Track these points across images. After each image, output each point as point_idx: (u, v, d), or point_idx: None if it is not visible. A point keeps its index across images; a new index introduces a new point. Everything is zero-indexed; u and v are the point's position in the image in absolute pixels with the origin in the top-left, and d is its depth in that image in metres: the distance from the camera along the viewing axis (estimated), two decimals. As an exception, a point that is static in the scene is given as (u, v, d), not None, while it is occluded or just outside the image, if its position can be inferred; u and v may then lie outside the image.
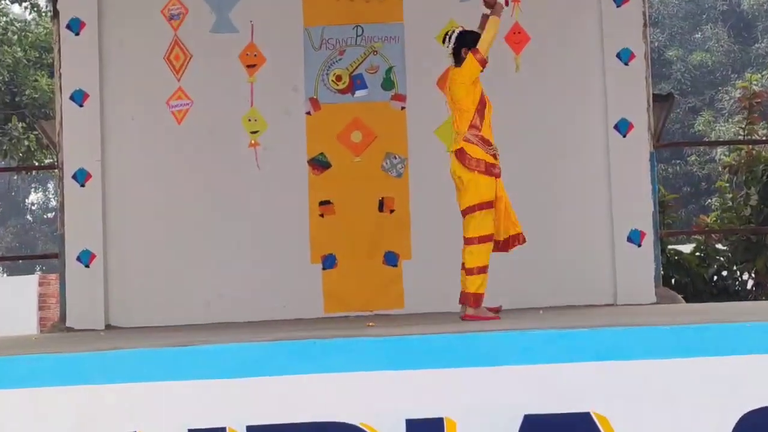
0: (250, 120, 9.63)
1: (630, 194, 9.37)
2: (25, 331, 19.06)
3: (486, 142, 7.44)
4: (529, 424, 5.02)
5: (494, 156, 7.43)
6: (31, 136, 23.03)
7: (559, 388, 5.05)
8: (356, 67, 9.66)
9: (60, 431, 5.04)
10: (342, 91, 9.63)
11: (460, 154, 7.42)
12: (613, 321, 6.07)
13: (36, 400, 5.03)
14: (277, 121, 9.62)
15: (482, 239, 7.38)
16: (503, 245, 7.57)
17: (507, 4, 7.67)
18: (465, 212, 7.44)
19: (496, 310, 7.50)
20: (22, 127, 23.18)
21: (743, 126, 12.18)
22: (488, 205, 7.39)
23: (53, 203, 48.85)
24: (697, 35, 39.27)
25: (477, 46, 7.44)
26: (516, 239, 7.60)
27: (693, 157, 35.58)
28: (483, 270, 7.38)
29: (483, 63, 7.44)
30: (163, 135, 9.60)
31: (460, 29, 7.66)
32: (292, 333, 6.24)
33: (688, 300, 9.96)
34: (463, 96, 7.45)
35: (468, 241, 7.40)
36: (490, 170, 7.40)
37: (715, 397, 5.04)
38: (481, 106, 7.49)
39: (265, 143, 9.60)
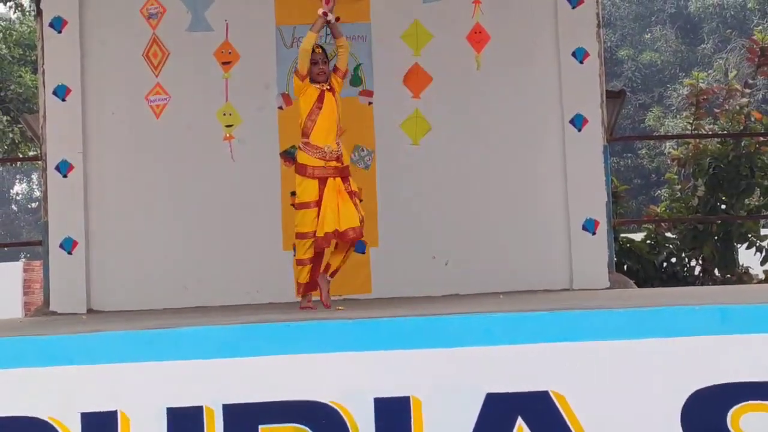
0: (225, 114, 9.60)
1: (585, 185, 9.40)
2: (11, 315, 18.95)
3: (313, 147, 7.51)
4: (491, 402, 5.03)
5: (320, 157, 7.49)
6: (16, 129, 22.90)
7: (518, 368, 5.05)
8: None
9: (44, 410, 5.00)
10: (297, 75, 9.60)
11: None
12: (570, 305, 6.08)
13: (21, 381, 5.00)
14: (251, 116, 9.58)
15: (299, 236, 7.57)
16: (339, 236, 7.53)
17: (326, 15, 7.61)
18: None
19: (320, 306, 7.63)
20: (6, 120, 23.04)
21: (690, 121, 12.22)
22: (306, 204, 7.51)
23: (37, 193, 48.59)
24: (646, 36, 39.46)
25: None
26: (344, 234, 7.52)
27: (643, 151, 35.80)
28: (300, 263, 7.58)
29: (300, 76, 7.64)
30: (142, 128, 9.55)
31: None
32: (266, 316, 6.22)
33: (639, 285, 9.99)
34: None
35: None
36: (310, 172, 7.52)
37: (665, 375, 5.06)
38: (312, 114, 7.57)
39: (240, 136, 9.57)
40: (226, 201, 9.51)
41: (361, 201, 9.25)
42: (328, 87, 7.64)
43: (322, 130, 7.56)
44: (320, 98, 7.58)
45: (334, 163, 7.52)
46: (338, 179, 7.50)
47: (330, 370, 5.08)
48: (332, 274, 7.71)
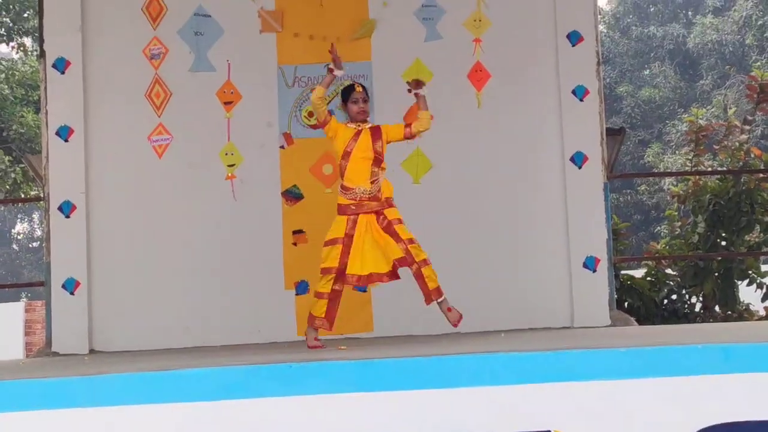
0: (227, 154, 9.61)
1: (585, 223, 9.41)
2: (12, 355, 18.93)
3: (345, 189, 7.56)
4: (494, 443, 5.01)
5: (351, 198, 7.53)
6: (18, 169, 22.95)
7: (521, 407, 5.04)
8: (327, 104, 9.64)
9: (46, 452, 4.98)
10: (314, 127, 9.60)
11: None
12: (572, 343, 6.06)
13: (22, 424, 4.98)
14: (253, 155, 9.60)
15: (322, 271, 7.54)
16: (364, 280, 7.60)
17: (332, 71, 7.65)
18: None
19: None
20: (9, 160, 23.09)
21: (690, 158, 12.23)
22: (332, 241, 7.50)
23: (38, 233, 48.61)
24: (645, 72, 39.61)
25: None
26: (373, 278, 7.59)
27: (643, 187, 35.83)
28: (318, 295, 7.54)
29: (319, 123, 7.74)
30: (145, 168, 9.56)
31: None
32: (268, 356, 6.20)
33: (640, 322, 9.97)
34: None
35: None
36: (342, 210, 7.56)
37: (668, 415, 5.04)
38: (344, 156, 7.60)
39: (242, 176, 9.58)
40: (228, 240, 9.51)
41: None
42: (369, 127, 7.62)
43: (354, 171, 7.54)
44: (354, 138, 7.56)
45: (366, 203, 7.50)
46: (371, 216, 7.49)
47: (331, 410, 5.06)
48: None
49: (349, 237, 7.45)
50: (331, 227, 7.54)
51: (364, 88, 7.72)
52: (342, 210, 7.54)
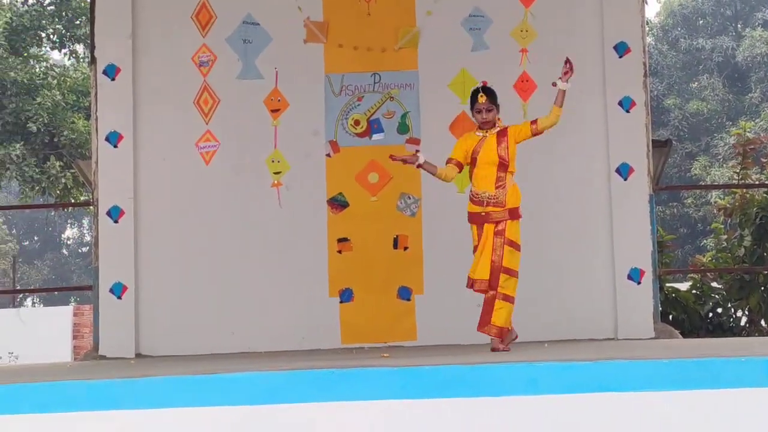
0: (273, 161, 9.65)
1: (630, 235, 9.35)
2: (60, 358, 19.10)
3: (473, 194, 7.63)
4: (535, 452, 4.99)
5: (478, 203, 7.58)
6: (68, 174, 23.16)
7: (564, 417, 5.01)
8: (374, 112, 9.68)
9: (91, 453, 5.02)
10: (360, 135, 9.66)
11: None
12: (615, 354, 6.03)
13: (70, 425, 5.02)
14: (299, 163, 9.64)
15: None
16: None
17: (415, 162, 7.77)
18: None
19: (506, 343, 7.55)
20: (59, 166, 23.31)
21: (737, 171, 12.15)
22: (474, 248, 7.64)
23: (88, 238, 49.03)
24: (693, 85, 39.36)
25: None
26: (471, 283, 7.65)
27: (689, 200, 35.57)
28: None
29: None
30: (192, 175, 9.63)
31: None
32: (311, 363, 6.22)
33: (684, 335, 9.90)
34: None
35: None
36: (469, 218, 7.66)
37: (712, 427, 5.00)
38: (472, 163, 7.67)
39: (287, 183, 9.62)
40: (274, 247, 9.54)
41: (406, 248, 9.32)
42: (495, 133, 7.61)
43: (479, 177, 7.59)
44: (480, 143, 7.58)
45: (491, 208, 7.55)
46: (492, 225, 7.54)
47: (375, 417, 5.06)
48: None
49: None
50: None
51: (489, 93, 7.62)
52: (470, 218, 7.64)
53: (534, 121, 7.63)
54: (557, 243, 9.45)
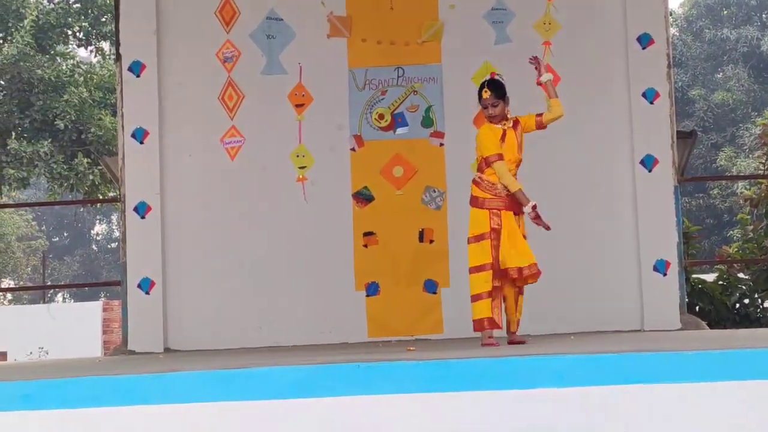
0: (298, 156, 9.66)
1: (656, 226, 9.31)
2: (90, 353, 19.20)
3: (486, 183, 7.40)
4: (562, 444, 4.97)
5: (494, 194, 7.37)
6: (96, 171, 23.25)
7: (591, 410, 4.99)
8: (397, 106, 9.68)
9: (120, 448, 5.03)
10: (384, 129, 9.65)
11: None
12: (641, 346, 6.00)
13: (99, 420, 5.03)
14: (324, 157, 9.64)
15: (474, 270, 7.31)
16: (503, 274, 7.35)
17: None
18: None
19: (520, 342, 7.38)
20: (87, 162, 23.40)
21: (763, 161, 12.09)
22: (480, 237, 7.31)
23: (116, 234, 49.26)
24: (718, 75, 39.17)
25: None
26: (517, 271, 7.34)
27: (715, 191, 35.40)
28: (477, 297, 7.26)
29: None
30: (217, 170, 9.65)
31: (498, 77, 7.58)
32: (338, 357, 6.22)
33: (711, 326, 9.86)
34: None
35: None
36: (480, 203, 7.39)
37: (739, 419, 4.97)
38: None
39: (313, 178, 9.63)
40: (300, 241, 9.56)
41: (431, 242, 9.31)
42: (511, 125, 7.49)
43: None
44: (502, 139, 7.44)
45: (506, 200, 7.35)
46: (511, 213, 7.35)
47: (401, 411, 5.05)
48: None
49: (495, 231, 7.28)
50: (472, 222, 7.35)
51: (494, 87, 7.45)
52: (480, 203, 7.35)
53: (539, 115, 7.53)
54: (583, 236, 9.42)
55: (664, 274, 9.26)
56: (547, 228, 7.45)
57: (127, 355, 9.26)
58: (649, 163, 9.35)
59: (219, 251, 9.59)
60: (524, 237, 7.44)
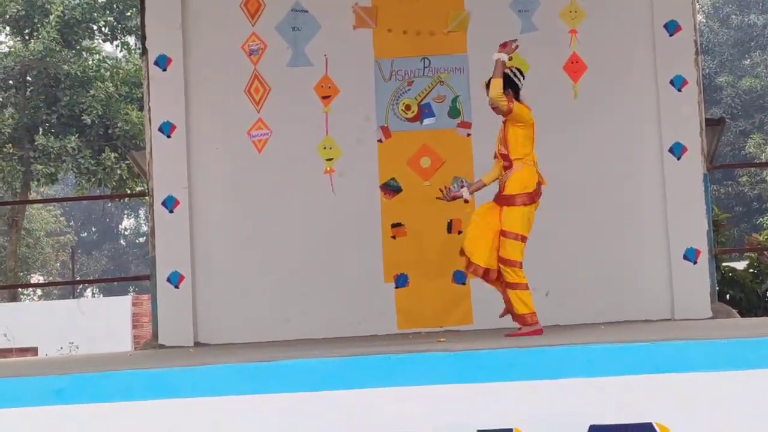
0: (325, 148, 9.67)
1: (685, 214, 9.27)
2: (121, 348, 19.30)
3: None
4: (594, 434, 4.96)
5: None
6: (123, 165, 23.37)
7: (622, 399, 4.98)
8: (424, 97, 9.67)
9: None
10: (411, 120, 9.64)
11: None
12: (672, 335, 5.98)
13: (130, 414, 5.06)
14: (351, 149, 9.64)
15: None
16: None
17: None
18: None
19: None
20: (114, 157, 23.52)
21: (793, 147, 12.00)
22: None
23: (144, 228, 49.47)
24: (746, 62, 38.92)
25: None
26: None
27: (744, 178, 35.21)
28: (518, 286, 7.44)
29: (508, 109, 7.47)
30: (245, 163, 9.66)
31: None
32: (368, 348, 6.22)
33: (742, 314, 9.81)
34: None
35: None
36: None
37: (771, 407, 4.95)
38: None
39: (340, 169, 9.63)
40: (328, 233, 9.56)
41: (460, 233, 9.31)
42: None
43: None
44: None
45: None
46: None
47: (432, 401, 5.05)
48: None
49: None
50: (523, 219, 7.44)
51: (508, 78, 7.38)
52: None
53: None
54: (612, 225, 9.39)
55: (695, 263, 9.22)
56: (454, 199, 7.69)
57: (157, 349, 9.29)
58: (677, 151, 9.30)
59: (247, 244, 9.60)
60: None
